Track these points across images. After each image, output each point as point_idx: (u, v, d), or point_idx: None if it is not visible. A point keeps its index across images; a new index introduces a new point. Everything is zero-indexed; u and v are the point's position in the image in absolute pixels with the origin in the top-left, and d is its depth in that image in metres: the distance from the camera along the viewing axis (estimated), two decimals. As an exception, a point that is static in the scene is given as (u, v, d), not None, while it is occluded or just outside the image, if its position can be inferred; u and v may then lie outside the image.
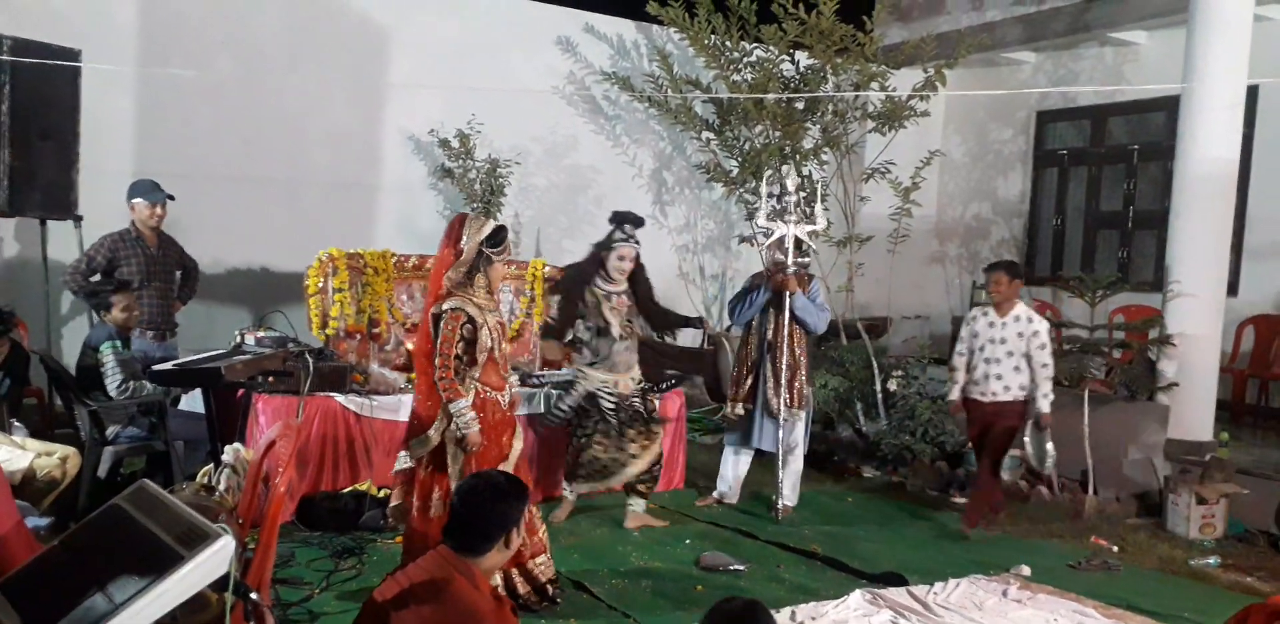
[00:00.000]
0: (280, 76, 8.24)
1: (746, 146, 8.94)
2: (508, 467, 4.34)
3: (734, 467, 6.41)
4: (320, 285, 6.18)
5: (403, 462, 4.40)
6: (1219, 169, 6.96)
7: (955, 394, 6.04)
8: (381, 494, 5.55)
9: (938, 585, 4.89)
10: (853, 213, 9.15)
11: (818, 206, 6.25)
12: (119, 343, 5.45)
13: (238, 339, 5.72)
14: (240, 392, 5.46)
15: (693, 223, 10.53)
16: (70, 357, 6.21)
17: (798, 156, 8.52)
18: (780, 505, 6.14)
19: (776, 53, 8.72)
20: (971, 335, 5.98)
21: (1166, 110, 8.85)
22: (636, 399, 5.70)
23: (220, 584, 2.38)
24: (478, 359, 4.29)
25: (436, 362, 4.20)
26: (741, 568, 5.17)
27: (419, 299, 6.57)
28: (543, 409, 6.11)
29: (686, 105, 9.10)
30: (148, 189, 6.23)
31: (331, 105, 8.54)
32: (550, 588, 4.54)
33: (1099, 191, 10.33)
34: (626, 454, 5.64)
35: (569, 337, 5.79)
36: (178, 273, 6.51)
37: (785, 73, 8.91)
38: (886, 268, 9.18)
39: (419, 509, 4.30)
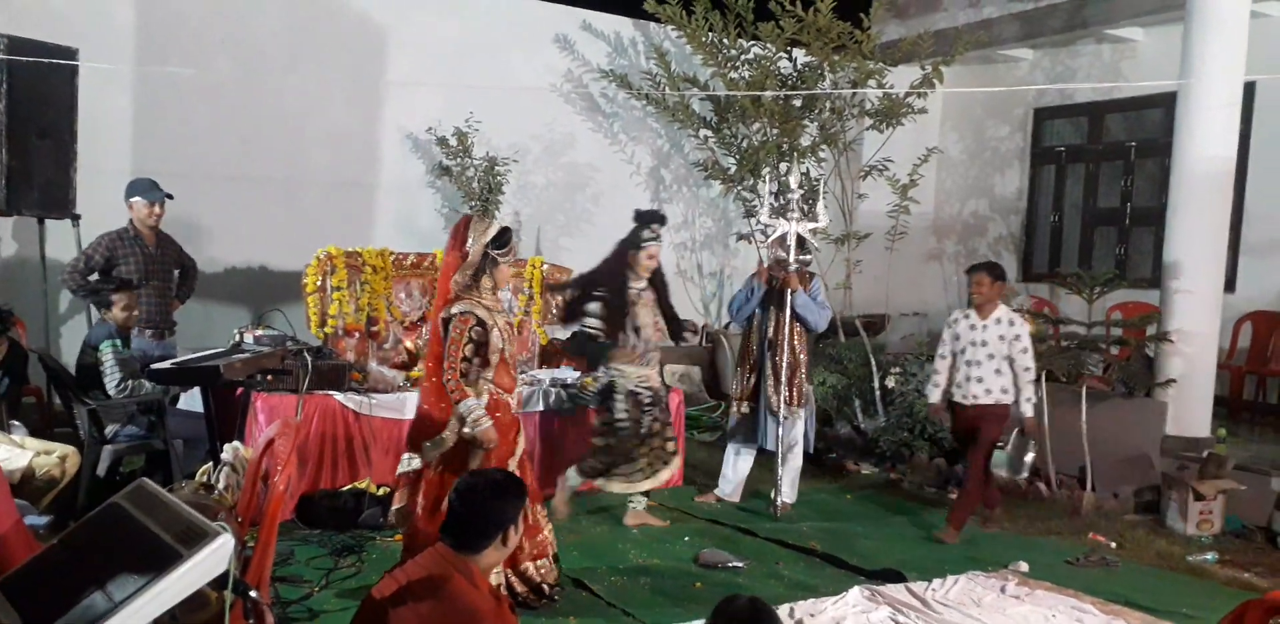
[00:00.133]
0: (278, 75, 8.25)
1: (744, 144, 8.95)
2: (513, 464, 4.36)
3: (736, 466, 6.41)
4: (319, 284, 6.19)
5: (407, 464, 4.38)
6: (1216, 166, 6.97)
7: (936, 397, 5.97)
8: (381, 492, 5.56)
9: (936, 582, 4.90)
10: (850, 210, 9.16)
11: (819, 204, 6.25)
12: (119, 342, 5.46)
13: (236, 338, 5.72)
14: (239, 390, 5.46)
15: (691, 220, 10.53)
16: (69, 355, 6.22)
17: (795, 154, 8.51)
18: (779, 502, 6.15)
19: (774, 50, 8.72)
20: (953, 338, 5.89)
21: (1164, 107, 8.85)
22: (662, 394, 5.73)
23: (219, 582, 2.39)
24: (490, 360, 4.30)
25: (445, 364, 4.21)
26: (740, 565, 5.18)
27: (417, 297, 6.58)
28: (541, 407, 6.12)
29: (684, 103, 9.10)
30: (146, 188, 6.23)
31: (330, 104, 8.54)
32: (548, 588, 4.54)
33: (1096, 188, 10.34)
34: (667, 452, 5.66)
35: (570, 333, 5.80)
36: (176, 272, 6.50)
37: (783, 70, 8.91)
38: (884, 265, 9.19)
39: (426, 509, 4.30)
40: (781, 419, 6.12)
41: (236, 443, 4.03)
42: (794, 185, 6.12)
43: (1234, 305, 8.26)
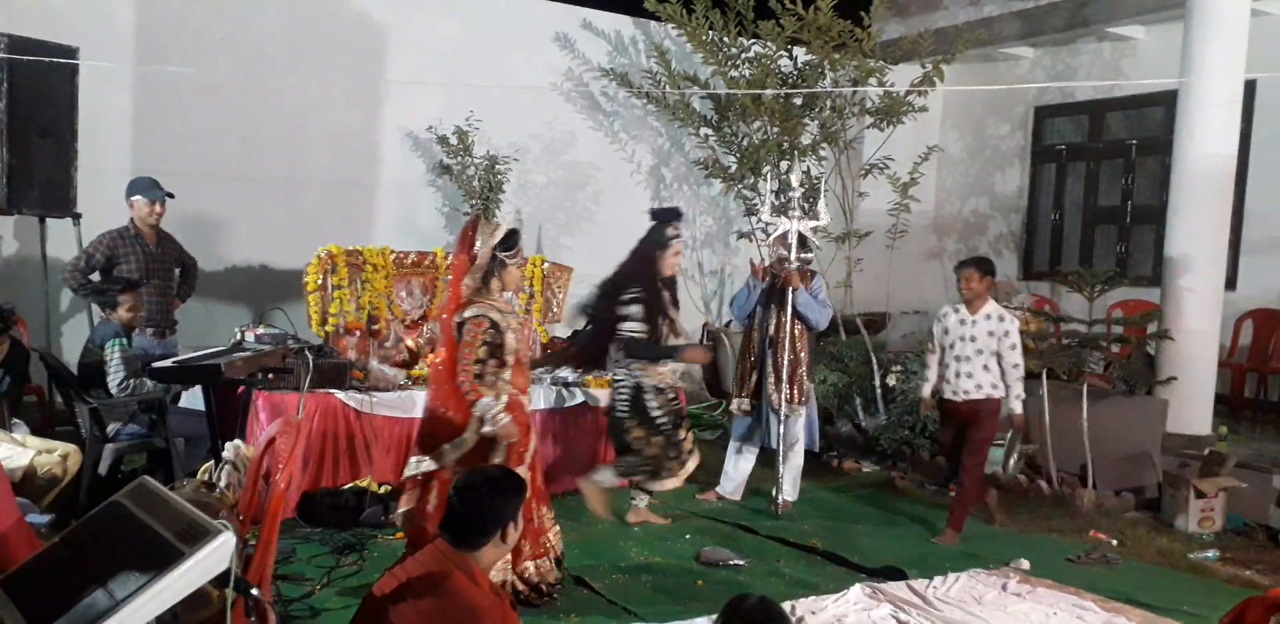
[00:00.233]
0: (279, 74, 8.24)
1: (745, 142, 8.94)
2: (527, 461, 4.39)
3: (738, 465, 6.41)
4: (319, 282, 6.19)
5: (415, 467, 4.37)
6: (1217, 164, 6.97)
7: (926, 391, 5.95)
8: (382, 490, 5.57)
9: (937, 579, 4.90)
10: (851, 208, 9.16)
11: (820, 202, 6.25)
12: (124, 341, 5.46)
13: (237, 336, 5.73)
14: (240, 389, 5.46)
15: (691, 219, 10.50)
16: (70, 354, 6.23)
17: (796, 152, 8.51)
18: (780, 500, 6.15)
19: (774, 49, 8.71)
20: (942, 332, 5.86)
21: (1164, 105, 8.85)
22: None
23: (221, 580, 2.39)
24: (506, 362, 4.32)
25: (458, 367, 4.23)
26: (742, 563, 5.18)
27: (418, 296, 6.58)
28: (544, 406, 6.12)
29: (685, 101, 9.10)
30: (147, 186, 6.23)
31: (330, 103, 8.53)
32: (547, 587, 4.54)
33: (1097, 187, 10.34)
34: (688, 448, 5.66)
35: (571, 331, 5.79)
36: (176, 270, 6.51)
37: (783, 68, 8.90)
38: (885, 263, 9.19)
39: (440, 510, 4.29)
40: (783, 417, 6.12)
41: (238, 441, 4.04)
42: (795, 183, 6.12)
43: (1235, 303, 8.26)
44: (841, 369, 8.00)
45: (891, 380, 7.76)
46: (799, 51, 8.93)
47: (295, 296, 6.69)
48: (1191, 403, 6.99)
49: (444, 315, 4.43)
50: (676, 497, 6.30)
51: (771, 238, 6.20)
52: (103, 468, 5.26)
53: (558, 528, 4.71)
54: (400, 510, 4.47)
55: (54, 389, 6.16)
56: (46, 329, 6.87)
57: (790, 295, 6.09)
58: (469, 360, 4.22)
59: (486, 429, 4.26)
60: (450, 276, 4.49)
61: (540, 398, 6.14)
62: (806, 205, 6.18)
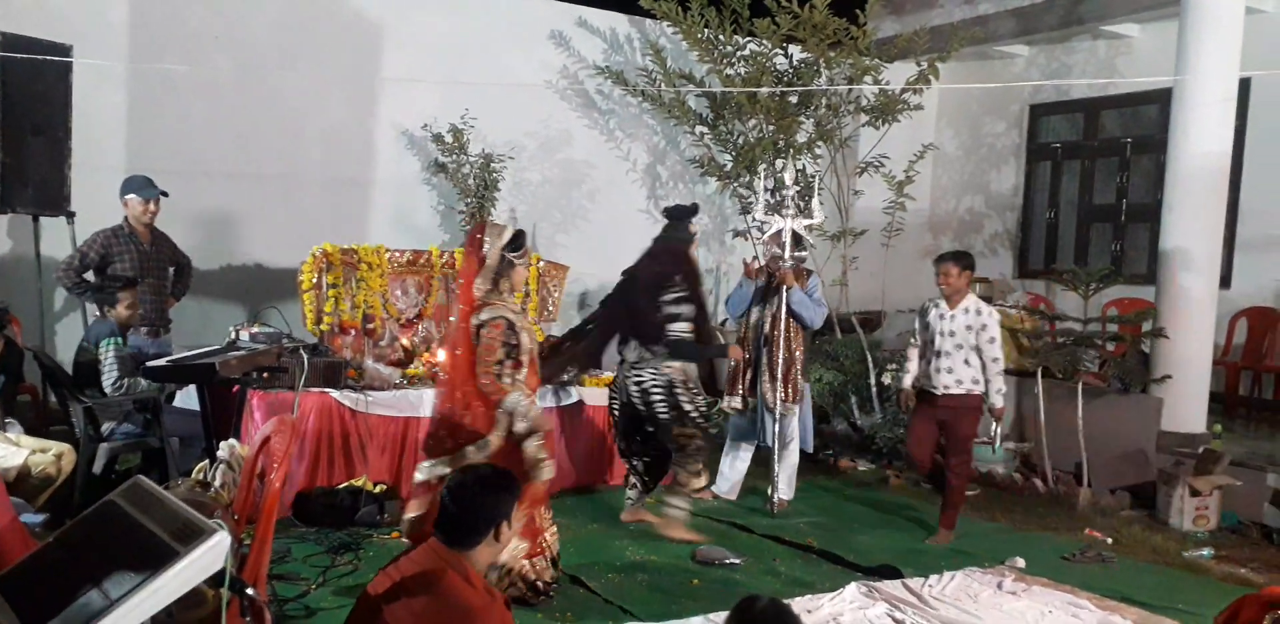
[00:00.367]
0: (274, 72, 8.22)
1: (740, 141, 8.94)
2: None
3: (734, 464, 6.41)
4: (314, 281, 6.18)
5: (428, 472, 4.36)
6: (1211, 162, 6.98)
7: (907, 382, 5.91)
8: (378, 490, 5.56)
9: (933, 578, 4.91)
10: (846, 207, 9.16)
11: (814, 201, 6.25)
12: (119, 339, 5.45)
13: (232, 335, 5.71)
14: (235, 388, 5.45)
15: (686, 217, 10.51)
16: (64, 353, 6.22)
17: (791, 151, 8.51)
18: (776, 499, 6.16)
19: (770, 47, 8.71)
20: (923, 327, 5.85)
21: (1159, 103, 8.85)
22: None
23: (216, 580, 2.38)
24: (522, 362, 4.36)
25: (478, 369, 4.26)
26: (737, 562, 5.18)
27: (413, 294, 6.57)
28: (540, 404, 6.12)
29: (680, 99, 9.09)
30: (141, 185, 6.21)
31: (325, 101, 8.52)
32: (543, 585, 4.54)
33: (1092, 185, 10.35)
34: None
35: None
36: (171, 269, 6.49)
37: (779, 67, 8.90)
38: (880, 261, 9.19)
39: None
40: (778, 416, 6.12)
41: (232, 440, 4.03)
42: (789, 182, 6.12)
43: (1229, 301, 8.27)
44: (837, 368, 8.00)
45: (887, 379, 7.76)
46: (794, 49, 8.93)
47: (290, 295, 6.67)
48: (1186, 401, 7.00)
49: (456, 317, 4.45)
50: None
51: (765, 236, 6.20)
52: (97, 467, 5.24)
53: (555, 529, 4.71)
54: (408, 516, 4.44)
55: (48, 388, 6.13)
56: (40, 328, 6.86)
57: (784, 294, 6.09)
58: (490, 362, 4.27)
59: (520, 425, 4.30)
60: (461, 280, 4.51)
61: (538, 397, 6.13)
62: (801, 204, 6.18)
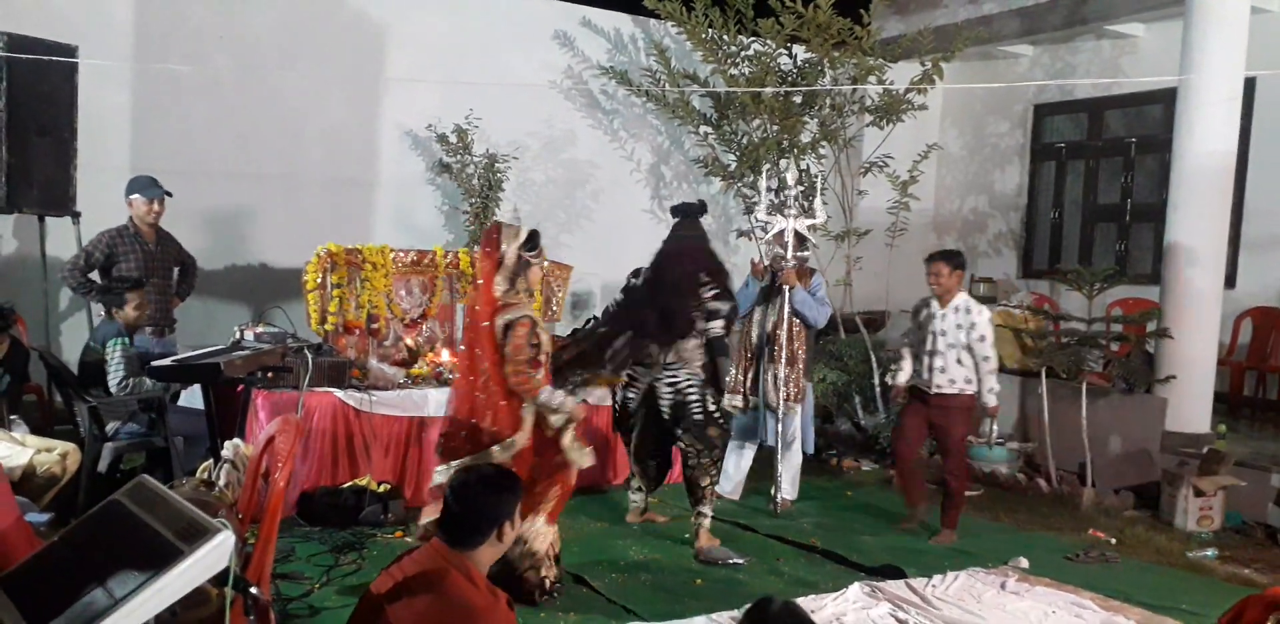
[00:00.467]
0: (277, 72, 8.23)
1: (744, 141, 8.94)
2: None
3: (737, 464, 6.41)
4: (319, 281, 6.18)
5: (444, 475, 4.35)
6: (1216, 161, 6.97)
7: (901, 379, 5.91)
8: (381, 489, 5.57)
9: (936, 578, 4.91)
10: (850, 207, 9.15)
11: (817, 200, 6.25)
12: (125, 340, 5.46)
13: (236, 335, 5.72)
14: (240, 387, 5.46)
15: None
16: (69, 353, 6.23)
17: (795, 150, 8.50)
18: (779, 499, 6.16)
19: (774, 47, 8.71)
20: (917, 327, 5.85)
21: (1164, 103, 8.84)
22: None
23: (220, 579, 2.39)
24: (541, 361, 4.39)
25: (509, 368, 4.28)
26: (741, 561, 5.18)
27: (418, 294, 6.58)
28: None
29: (684, 99, 9.09)
30: (146, 185, 6.22)
31: (329, 101, 8.53)
32: (547, 584, 4.54)
33: (1096, 185, 10.33)
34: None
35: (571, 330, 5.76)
36: (175, 269, 6.51)
37: (783, 67, 8.90)
38: (884, 261, 9.18)
39: None
40: (780, 415, 6.12)
41: (237, 440, 4.03)
42: (791, 182, 6.12)
43: (1234, 301, 8.25)
44: (841, 368, 8.00)
45: (890, 379, 7.75)
46: (798, 49, 8.92)
47: (294, 295, 6.68)
48: (1190, 401, 6.99)
49: (474, 318, 4.45)
50: (675, 495, 6.30)
51: (768, 236, 6.20)
52: (102, 467, 5.26)
53: (555, 527, 4.71)
54: (424, 521, 4.44)
55: (53, 388, 6.15)
56: (46, 328, 6.87)
57: (787, 294, 6.09)
58: (521, 361, 4.29)
59: (556, 418, 4.35)
60: (480, 280, 4.51)
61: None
62: (804, 204, 6.18)
